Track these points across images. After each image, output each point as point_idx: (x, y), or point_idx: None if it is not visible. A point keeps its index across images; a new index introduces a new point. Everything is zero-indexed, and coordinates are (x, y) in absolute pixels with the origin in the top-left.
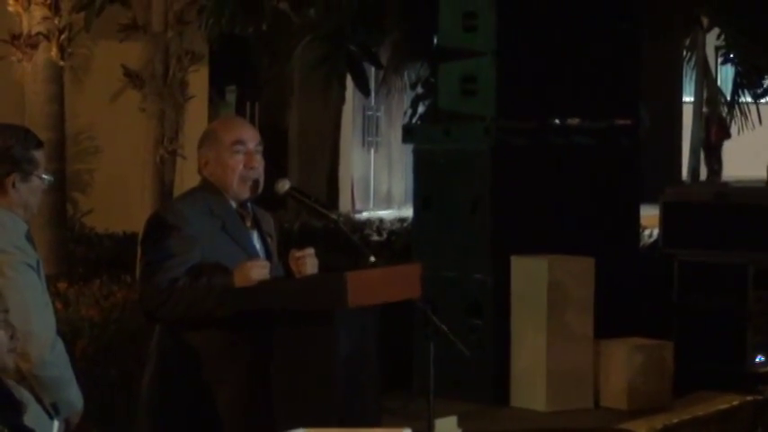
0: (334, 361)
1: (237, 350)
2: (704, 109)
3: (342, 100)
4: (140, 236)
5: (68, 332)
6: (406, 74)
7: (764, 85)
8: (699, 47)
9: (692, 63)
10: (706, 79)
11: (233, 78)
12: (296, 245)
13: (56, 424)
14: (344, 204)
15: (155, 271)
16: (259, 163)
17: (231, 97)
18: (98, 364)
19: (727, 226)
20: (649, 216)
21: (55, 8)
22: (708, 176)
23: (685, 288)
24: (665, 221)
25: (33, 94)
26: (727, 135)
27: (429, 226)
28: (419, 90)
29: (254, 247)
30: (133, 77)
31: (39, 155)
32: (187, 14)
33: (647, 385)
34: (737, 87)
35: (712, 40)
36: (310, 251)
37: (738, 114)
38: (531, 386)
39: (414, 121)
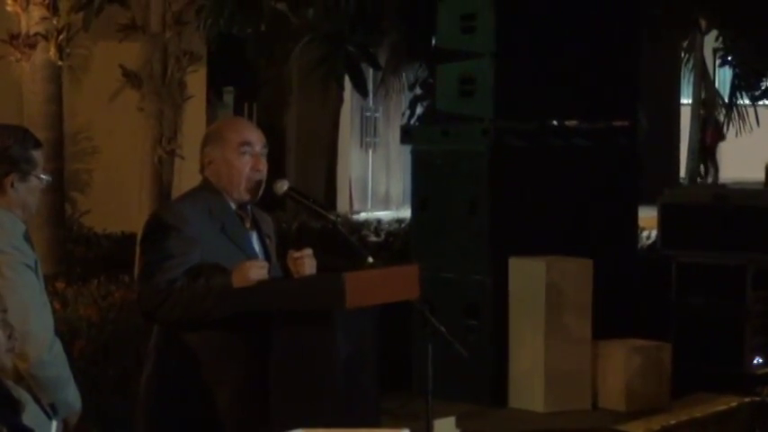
0: (332, 361)
1: (236, 350)
2: (701, 111)
3: (340, 101)
4: (140, 236)
5: (66, 332)
6: (404, 75)
7: (762, 88)
8: (697, 49)
9: (690, 65)
10: (704, 81)
11: (231, 79)
12: (294, 245)
13: (54, 424)
14: (342, 205)
15: (153, 271)
16: (264, 166)
17: (229, 98)
18: (96, 363)
19: (725, 227)
20: (648, 217)
21: (53, 8)
22: (704, 178)
23: (683, 289)
24: (663, 223)
25: (32, 94)
26: (722, 137)
27: (427, 227)
28: (417, 91)
29: (253, 248)
30: (131, 77)
31: (37, 155)
32: (185, 15)
33: (645, 386)
34: (735, 89)
35: (710, 42)
36: (308, 252)
37: (736, 116)
38: (529, 387)
39: (412, 121)
